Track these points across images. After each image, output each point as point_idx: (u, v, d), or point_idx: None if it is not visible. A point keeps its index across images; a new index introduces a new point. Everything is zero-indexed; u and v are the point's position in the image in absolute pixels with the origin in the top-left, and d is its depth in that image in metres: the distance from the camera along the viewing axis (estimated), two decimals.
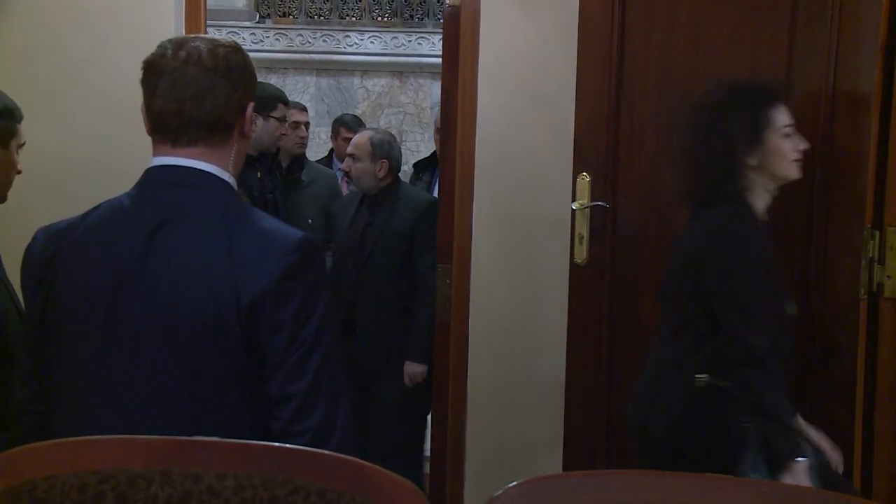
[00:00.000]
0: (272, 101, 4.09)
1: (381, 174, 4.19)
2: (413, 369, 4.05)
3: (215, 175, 1.78)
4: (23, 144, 2.49)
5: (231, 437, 1.36)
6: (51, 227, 1.86)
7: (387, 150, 4.24)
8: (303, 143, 4.92)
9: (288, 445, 1.29)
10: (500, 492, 1.23)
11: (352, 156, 4.25)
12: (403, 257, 4.12)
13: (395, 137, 4.44)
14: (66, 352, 1.75)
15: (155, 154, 1.80)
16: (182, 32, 3.36)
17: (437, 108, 4.95)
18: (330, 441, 1.68)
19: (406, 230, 4.12)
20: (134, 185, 1.82)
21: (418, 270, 4.07)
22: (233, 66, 1.80)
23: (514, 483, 1.24)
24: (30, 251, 1.82)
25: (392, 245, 4.13)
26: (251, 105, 1.85)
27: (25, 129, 2.90)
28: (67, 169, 2.80)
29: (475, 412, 3.43)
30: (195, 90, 1.75)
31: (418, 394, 4.10)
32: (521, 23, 3.32)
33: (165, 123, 1.77)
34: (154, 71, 1.77)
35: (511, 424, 3.40)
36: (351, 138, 5.02)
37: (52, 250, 1.78)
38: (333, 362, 1.73)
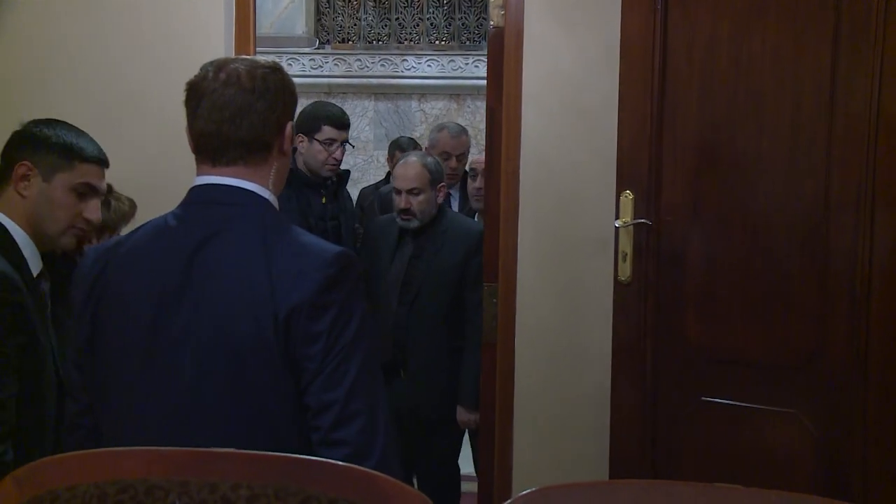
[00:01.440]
0: (316, 122, 3.99)
1: (440, 199, 3.93)
2: (467, 416, 3.84)
3: (255, 193, 1.83)
4: (79, 184, 2.41)
5: (275, 450, 1.39)
6: (99, 246, 1.94)
7: (440, 171, 3.95)
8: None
9: (299, 456, 1.32)
10: (510, 501, 1.24)
11: (412, 191, 3.84)
12: (455, 293, 3.84)
13: (438, 158, 4.23)
14: (111, 367, 1.81)
15: (198, 174, 1.86)
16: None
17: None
18: (373, 450, 1.71)
19: (458, 263, 3.83)
20: (181, 203, 1.87)
21: (468, 307, 3.79)
22: (270, 86, 1.85)
23: (524, 492, 1.26)
24: (79, 268, 1.90)
25: (443, 279, 3.83)
26: (290, 124, 1.89)
27: None
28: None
29: (521, 429, 3.43)
30: (233, 111, 1.80)
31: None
32: (563, 43, 3.34)
33: (205, 144, 1.83)
34: (195, 93, 1.84)
35: (557, 441, 3.40)
36: None
37: (99, 268, 1.85)
38: (370, 373, 1.77)
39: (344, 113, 4.20)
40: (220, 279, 1.74)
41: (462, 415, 3.84)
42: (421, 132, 7.79)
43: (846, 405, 2.69)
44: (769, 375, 2.83)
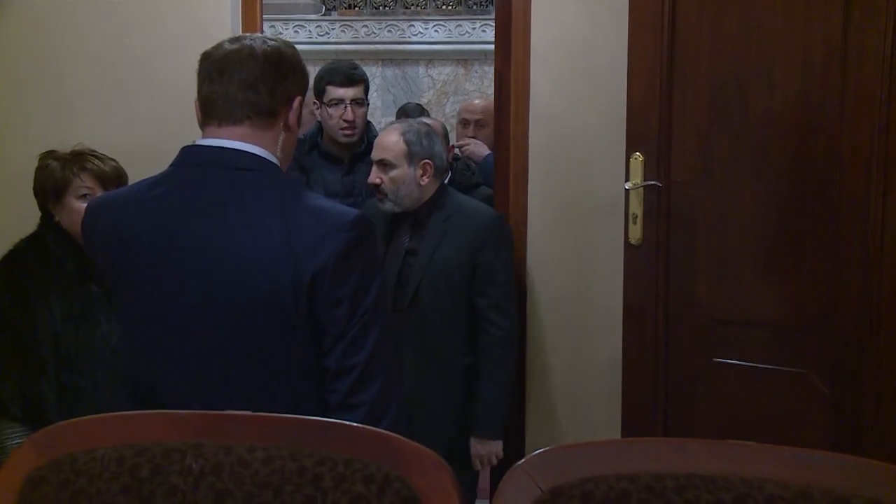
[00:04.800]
0: (320, 84, 3.61)
1: (424, 180, 3.12)
2: (484, 449, 3.09)
3: (264, 158, 1.83)
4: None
5: (295, 411, 1.40)
6: (98, 199, 2.00)
7: (427, 146, 3.13)
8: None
9: (314, 418, 1.32)
10: (523, 460, 1.25)
11: (381, 162, 3.12)
12: (465, 296, 3.10)
13: (432, 128, 3.35)
14: (131, 327, 1.84)
15: (204, 135, 1.85)
16: (238, 26, 3.44)
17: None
18: (385, 416, 1.74)
19: (464, 261, 3.07)
20: (174, 163, 1.86)
21: (480, 312, 3.08)
22: (283, 57, 1.87)
23: (538, 451, 1.26)
24: (83, 224, 1.94)
25: (448, 280, 3.08)
26: (299, 99, 1.90)
27: (92, 123, 3.00)
28: (132, 160, 2.88)
29: (533, 394, 3.44)
30: (243, 77, 1.81)
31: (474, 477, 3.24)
32: (572, 4, 3.32)
33: (213, 103, 1.83)
34: (207, 60, 1.86)
35: (569, 405, 3.41)
36: None
37: (98, 219, 1.88)
38: (388, 340, 1.80)
39: (351, 68, 3.69)
40: (234, 242, 1.74)
41: (477, 448, 3.10)
42: (428, 98, 7.76)
43: (858, 365, 2.68)
44: (781, 336, 2.83)
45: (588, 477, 1.21)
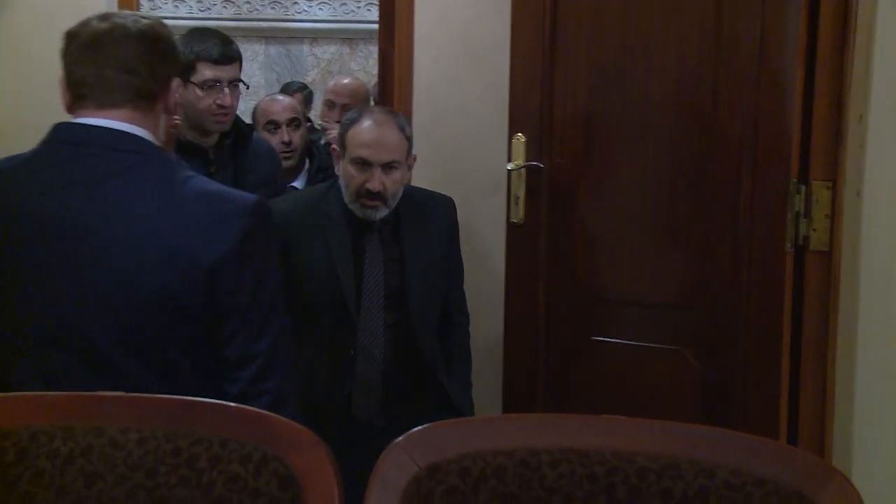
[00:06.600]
0: (189, 60, 2.86)
1: (409, 176, 2.82)
2: None
3: (149, 141, 1.76)
4: None
5: None
6: None
7: (412, 136, 2.76)
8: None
9: (189, 398, 1.30)
10: (401, 438, 1.25)
11: (390, 165, 2.62)
12: (443, 291, 2.86)
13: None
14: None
15: (79, 116, 1.75)
16: (115, 4, 3.33)
17: None
18: (288, 403, 1.71)
19: (445, 250, 2.84)
20: (46, 141, 1.76)
21: (453, 301, 2.89)
22: (160, 36, 1.80)
23: (416, 428, 1.27)
24: None
25: (433, 279, 2.78)
26: (176, 80, 1.84)
27: None
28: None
29: None
30: (119, 58, 1.73)
31: None
32: None
33: (89, 86, 1.73)
34: (76, 40, 1.75)
35: None
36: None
37: None
38: (286, 329, 1.78)
39: (226, 43, 2.98)
40: (123, 227, 1.66)
41: None
42: (313, 76, 7.67)
43: (726, 341, 2.78)
44: (655, 314, 2.91)
45: (465, 453, 1.23)
